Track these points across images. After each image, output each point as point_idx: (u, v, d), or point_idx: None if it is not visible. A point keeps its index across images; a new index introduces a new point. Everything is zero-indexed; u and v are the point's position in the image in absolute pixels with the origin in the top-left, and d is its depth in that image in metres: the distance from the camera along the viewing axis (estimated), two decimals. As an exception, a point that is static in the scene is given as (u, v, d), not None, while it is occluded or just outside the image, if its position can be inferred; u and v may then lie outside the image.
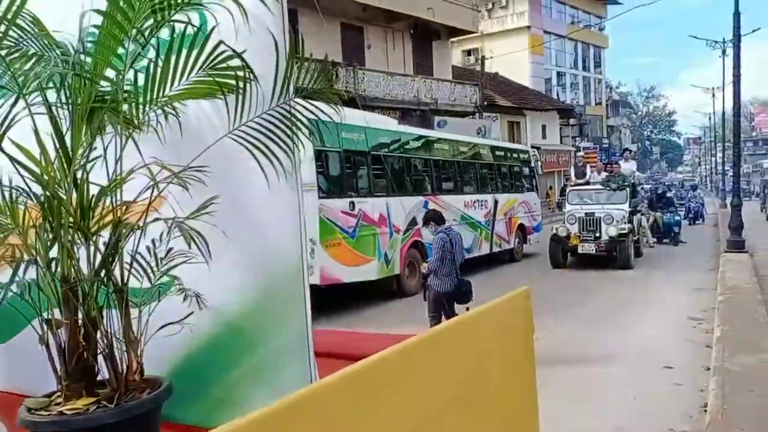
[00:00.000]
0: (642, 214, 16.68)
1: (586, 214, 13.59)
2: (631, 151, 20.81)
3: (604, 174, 15.18)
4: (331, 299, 9.46)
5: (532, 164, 17.04)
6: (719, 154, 47.49)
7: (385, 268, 10.36)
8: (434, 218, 6.94)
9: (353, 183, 9.90)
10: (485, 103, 25.02)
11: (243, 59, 2.13)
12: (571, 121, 39.93)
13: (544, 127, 34.47)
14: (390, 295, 10.57)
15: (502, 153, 15.55)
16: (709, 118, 62.09)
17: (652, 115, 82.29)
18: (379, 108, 20.06)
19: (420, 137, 12.42)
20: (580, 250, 13.49)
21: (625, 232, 13.23)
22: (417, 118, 20.03)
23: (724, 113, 46.05)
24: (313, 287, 2.50)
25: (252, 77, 2.17)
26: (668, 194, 21.60)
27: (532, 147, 20.46)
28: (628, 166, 15.89)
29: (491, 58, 32.34)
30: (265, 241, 2.36)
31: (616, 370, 6.28)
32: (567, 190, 14.98)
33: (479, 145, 14.90)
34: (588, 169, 15.65)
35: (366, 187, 10.17)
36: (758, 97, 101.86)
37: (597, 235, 13.36)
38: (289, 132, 2.27)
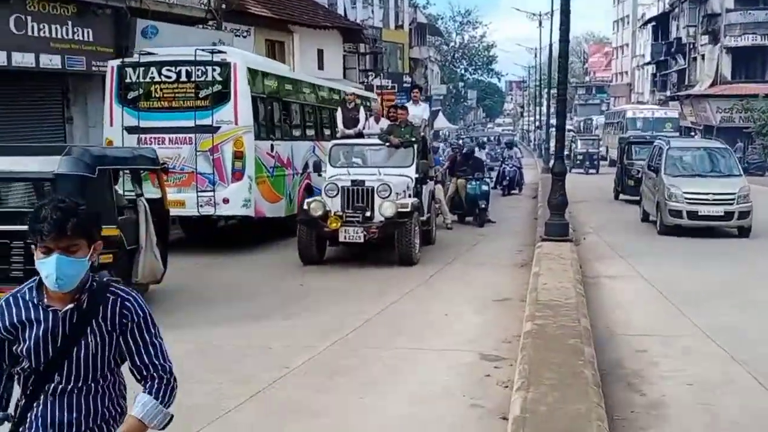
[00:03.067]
0: (437, 182, 16.41)
1: (353, 182, 12.73)
2: (420, 89, 21.01)
3: (384, 122, 14.81)
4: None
5: None
6: (546, 103, 50.91)
7: (289, 207, 14.78)
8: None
9: (272, 127, 14.53)
10: (224, 6, 22.77)
11: None
12: (361, 47, 39.58)
13: (320, 53, 33.28)
14: (282, 234, 14.48)
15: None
16: (535, 55, 67.39)
17: (468, 47, 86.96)
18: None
19: (309, 84, 17.60)
20: (342, 238, 12.39)
21: (408, 210, 12.47)
22: (106, 20, 17.12)
23: (551, 49, 49.63)
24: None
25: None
26: (477, 154, 21.89)
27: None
28: (417, 111, 15.66)
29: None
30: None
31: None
32: (330, 146, 14.03)
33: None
34: (362, 115, 15.15)
35: (279, 131, 14.78)
36: (593, 32, 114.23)
37: (368, 214, 12.45)
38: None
